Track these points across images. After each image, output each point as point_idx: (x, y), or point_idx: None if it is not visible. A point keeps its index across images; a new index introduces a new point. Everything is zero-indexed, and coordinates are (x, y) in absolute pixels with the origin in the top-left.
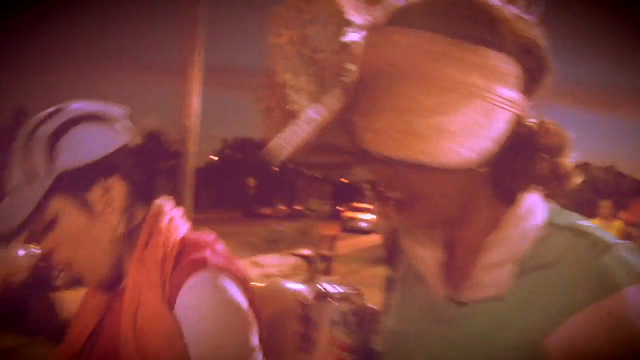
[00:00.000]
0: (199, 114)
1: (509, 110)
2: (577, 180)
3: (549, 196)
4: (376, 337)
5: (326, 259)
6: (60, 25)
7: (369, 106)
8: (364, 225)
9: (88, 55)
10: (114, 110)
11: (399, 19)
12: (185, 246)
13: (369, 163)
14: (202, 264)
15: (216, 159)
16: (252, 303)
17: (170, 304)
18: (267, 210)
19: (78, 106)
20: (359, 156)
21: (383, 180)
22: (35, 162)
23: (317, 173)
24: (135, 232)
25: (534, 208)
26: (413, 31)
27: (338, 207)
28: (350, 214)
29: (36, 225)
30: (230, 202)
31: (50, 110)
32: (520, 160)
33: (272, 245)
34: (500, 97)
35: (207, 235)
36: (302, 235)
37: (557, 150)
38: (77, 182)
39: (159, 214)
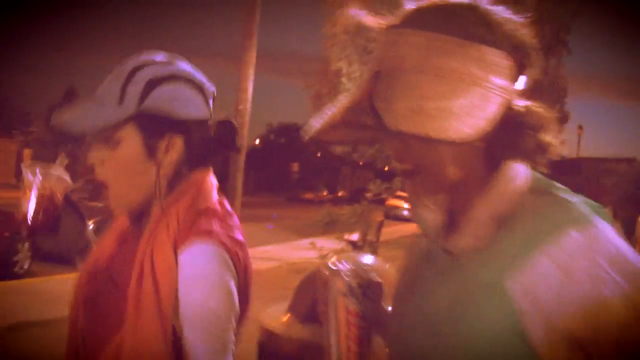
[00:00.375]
0: (251, 98)
1: (501, 96)
2: (559, 152)
3: (535, 167)
4: (383, 303)
5: (372, 244)
6: (112, 8)
7: (390, 93)
8: (406, 213)
9: (141, 39)
10: (210, 87)
11: (412, 22)
12: (205, 212)
13: (387, 138)
14: (207, 235)
15: (259, 143)
16: (245, 281)
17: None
18: (309, 195)
19: (186, 67)
20: (379, 132)
21: (396, 153)
22: (130, 91)
23: (346, 145)
24: (174, 188)
25: (516, 176)
26: (424, 32)
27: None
28: (393, 202)
29: (101, 139)
30: (273, 186)
31: (162, 57)
32: (509, 136)
33: (328, 227)
34: (494, 85)
35: (226, 208)
36: (356, 217)
37: (540, 128)
38: (152, 125)
39: (200, 181)
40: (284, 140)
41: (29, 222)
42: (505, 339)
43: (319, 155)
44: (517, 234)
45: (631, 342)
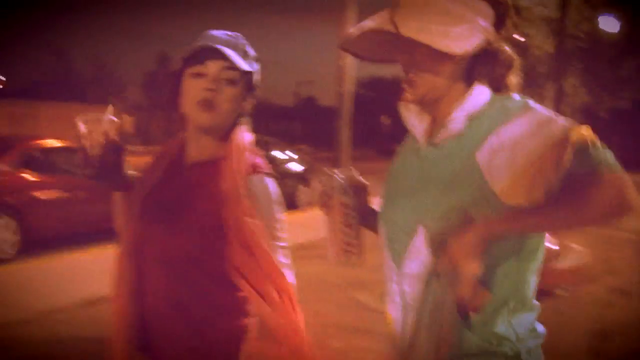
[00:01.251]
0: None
1: (483, 33)
2: (518, 84)
3: (497, 90)
4: (366, 197)
5: None
6: None
7: (406, 15)
8: None
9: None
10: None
11: None
12: (254, 153)
13: (399, 53)
14: (263, 168)
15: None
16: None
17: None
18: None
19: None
20: (394, 46)
21: (404, 65)
22: (249, 56)
23: (368, 60)
24: (235, 128)
25: (484, 91)
26: None
27: None
28: None
29: (217, 77)
30: (363, 139)
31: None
32: (484, 63)
33: None
34: (479, 24)
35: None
36: None
37: (507, 63)
38: (250, 83)
39: (247, 131)
40: (373, 94)
41: (94, 163)
42: (475, 193)
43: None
44: (484, 123)
45: (579, 158)
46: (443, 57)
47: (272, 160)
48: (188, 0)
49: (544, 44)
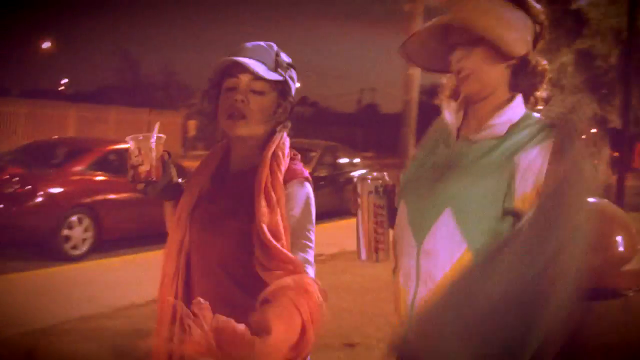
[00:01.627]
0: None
1: (527, 45)
2: (545, 96)
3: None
4: (394, 198)
5: None
6: None
7: (470, 15)
8: None
9: (294, 9)
10: None
11: None
12: (295, 159)
13: (455, 53)
14: (302, 175)
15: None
16: None
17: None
18: None
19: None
20: (449, 51)
21: (459, 63)
22: (280, 64)
23: (422, 67)
24: (273, 136)
25: (521, 104)
26: None
27: None
28: None
29: (246, 89)
30: None
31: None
32: (523, 73)
33: None
34: (526, 37)
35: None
36: None
37: (542, 75)
38: (284, 91)
39: (284, 137)
40: (436, 101)
41: (142, 176)
42: (497, 195)
43: None
44: (524, 133)
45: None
46: (496, 59)
47: (337, 167)
48: (255, 10)
49: (609, 55)
